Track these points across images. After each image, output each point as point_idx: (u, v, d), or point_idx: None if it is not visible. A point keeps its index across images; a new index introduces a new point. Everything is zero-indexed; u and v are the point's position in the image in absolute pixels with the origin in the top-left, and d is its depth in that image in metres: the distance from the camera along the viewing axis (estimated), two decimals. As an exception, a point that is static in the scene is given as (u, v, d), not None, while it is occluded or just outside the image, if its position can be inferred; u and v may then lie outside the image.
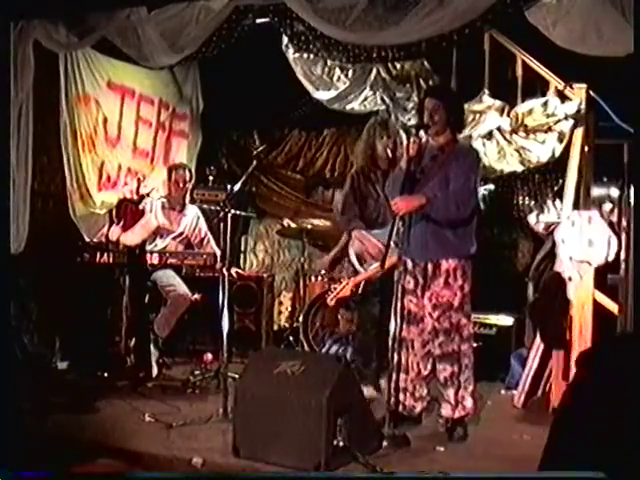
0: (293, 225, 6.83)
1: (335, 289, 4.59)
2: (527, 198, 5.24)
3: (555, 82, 5.18)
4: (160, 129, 6.89)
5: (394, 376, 3.79)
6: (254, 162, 4.77)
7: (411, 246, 3.89)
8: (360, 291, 4.43)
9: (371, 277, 4.43)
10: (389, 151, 4.55)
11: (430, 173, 3.91)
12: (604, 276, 3.45)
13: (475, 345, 4.10)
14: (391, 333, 3.75)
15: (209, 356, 5.27)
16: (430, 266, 3.93)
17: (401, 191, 3.85)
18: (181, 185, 5.61)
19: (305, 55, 5.56)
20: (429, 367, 4.02)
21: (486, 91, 5.33)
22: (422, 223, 3.88)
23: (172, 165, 6.06)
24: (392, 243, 3.82)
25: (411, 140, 3.88)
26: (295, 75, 5.79)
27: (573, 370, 3.37)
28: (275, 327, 6.59)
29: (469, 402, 3.93)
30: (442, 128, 3.94)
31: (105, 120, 6.26)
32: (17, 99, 5.23)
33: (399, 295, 3.82)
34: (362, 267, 4.50)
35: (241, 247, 7.04)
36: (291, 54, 5.65)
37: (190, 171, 5.81)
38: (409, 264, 3.96)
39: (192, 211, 5.74)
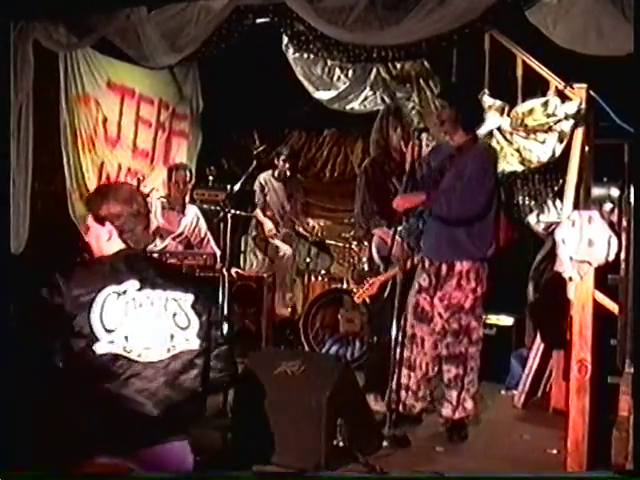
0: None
1: (362, 287, 4.51)
2: (527, 198, 5.22)
3: (555, 82, 5.17)
4: (160, 129, 6.89)
5: (396, 372, 3.77)
6: (254, 162, 4.76)
7: (427, 245, 3.93)
8: (386, 294, 4.27)
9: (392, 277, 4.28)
10: (402, 143, 4.43)
11: (445, 172, 3.91)
12: (604, 276, 3.44)
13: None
14: (400, 328, 3.75)
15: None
16: (444, 267, 3.91)
17: (404, 191, 3.87)
18: (181, 186, 5.61)
19: (305, 55, 5.55)
20: (437, 369, 3.99)
21: (486, 91, 5.31)
22: (437, 223, 3.89)
23: (172, 165, 6.07)
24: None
25: (412, 142, 3.89)
26: (295, 75, 5.79)
27: (574, 370, 3.36)
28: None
29: (469, 404, 3.92)
30: (452, 128, 3.91)
31: (105, 120, 6.27)
32: (17, 99, 5.23)
33: (414, 292, 3.83)
34: (385, 266, 4.33)
35: (241, 247, 7.03)
36: (291, 54, 5.64)
37: (190, 171, 5.82)
38: (426, 262, 3.98)
39: (192, 211, 5.74)
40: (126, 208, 2.45)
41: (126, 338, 2.32)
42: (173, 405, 2.35)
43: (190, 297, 2.46)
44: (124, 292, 2.35)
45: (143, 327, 2.35)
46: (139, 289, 2.38)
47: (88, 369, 2.30)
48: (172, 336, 2.39)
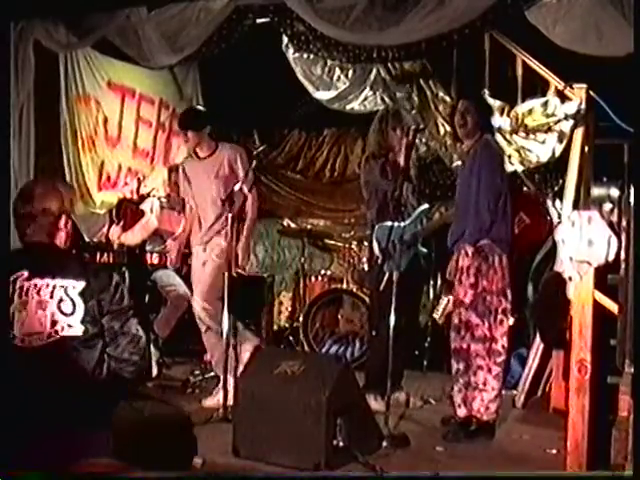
0: (293, 225, 6.83)
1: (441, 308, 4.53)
2: (527, 198, 5.23)
3: (555, 82, 5.18)
4: (160, 129, 6.90)
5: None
6: (254, 162, 4.76)
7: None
8: (382, 287, 4.19)
9: None
10: (402, 146, 4.36)
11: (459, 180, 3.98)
12: (604, 276, 3.44)
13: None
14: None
15: (209, 356, 5.25)
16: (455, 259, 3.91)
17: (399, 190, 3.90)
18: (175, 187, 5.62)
19: (305, 55, 5.56)
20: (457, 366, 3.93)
21: (486, 91, 5.33)
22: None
23: (172, 166, 6.07)
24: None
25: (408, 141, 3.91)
26: (295, 75, 5.79)
27: (574, 370, 3.36)
28: (275, 327, 6.56)
29: (477, 404, 3.82)
30: (472, 131, 3.90)
31: (105, 120, 6.27)
32: (18, 99, 5.23)
33: None
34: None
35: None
36: (291, 54, 5.65)
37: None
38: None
39: (192, 211, 5.73)
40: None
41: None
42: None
43: (81, 284, 2.51)
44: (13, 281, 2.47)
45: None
46: (28, 278, 2.48)
47: None
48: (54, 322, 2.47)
